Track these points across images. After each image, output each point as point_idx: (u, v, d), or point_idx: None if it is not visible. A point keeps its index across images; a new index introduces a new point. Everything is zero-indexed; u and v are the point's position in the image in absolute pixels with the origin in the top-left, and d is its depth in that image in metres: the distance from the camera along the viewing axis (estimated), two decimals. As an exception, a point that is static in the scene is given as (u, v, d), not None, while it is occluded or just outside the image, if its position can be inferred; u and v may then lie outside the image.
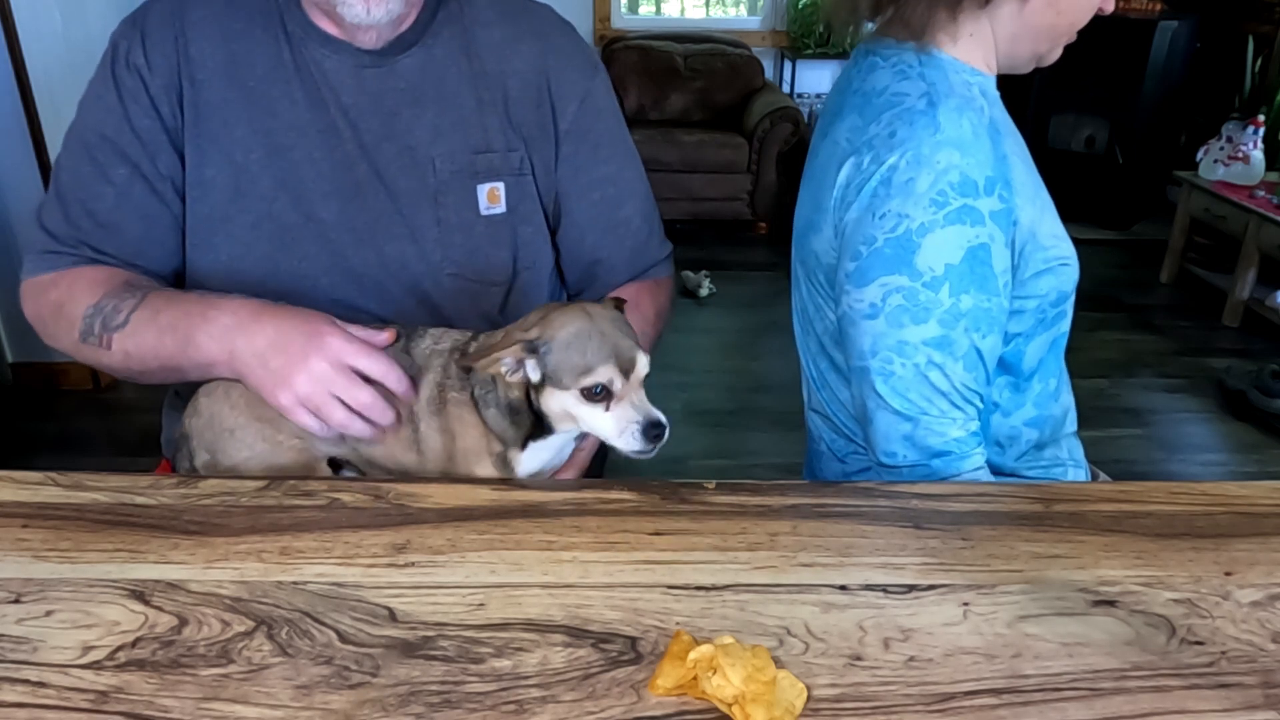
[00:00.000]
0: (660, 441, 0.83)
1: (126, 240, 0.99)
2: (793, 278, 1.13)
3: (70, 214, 0.98)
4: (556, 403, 0.83)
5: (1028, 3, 0.93)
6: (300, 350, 0.85)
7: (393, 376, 0.87)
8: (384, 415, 0.87)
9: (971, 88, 0.94)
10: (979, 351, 0.91)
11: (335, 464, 0.94)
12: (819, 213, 1.00)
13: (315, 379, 0.84)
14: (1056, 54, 1.01)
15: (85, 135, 0.99)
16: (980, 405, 0.95)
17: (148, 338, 0.91)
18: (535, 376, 0.83)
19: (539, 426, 0.87)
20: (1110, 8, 0.98)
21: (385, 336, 0.89)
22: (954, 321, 0.90)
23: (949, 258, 0.88)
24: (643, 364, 0.83)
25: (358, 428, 0.87)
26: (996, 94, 0.99)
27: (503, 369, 0.82)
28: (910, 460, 0.94)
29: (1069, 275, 0.99)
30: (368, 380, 0.86)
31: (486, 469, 0.89)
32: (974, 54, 0.97)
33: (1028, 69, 1.02)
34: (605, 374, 0.81)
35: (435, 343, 0.91)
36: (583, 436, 0.94)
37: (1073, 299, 1.02)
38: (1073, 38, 0.99)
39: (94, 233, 0.98)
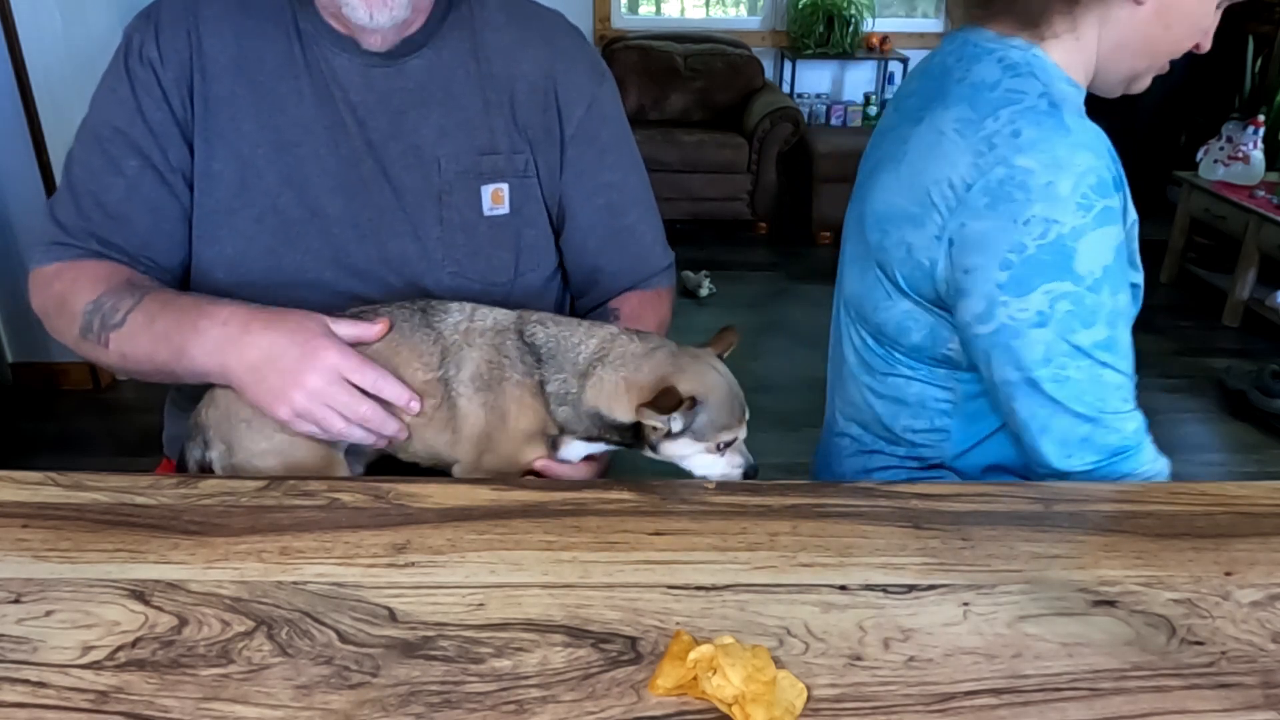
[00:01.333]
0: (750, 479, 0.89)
1: (135, 232, 0.99)
2: (849, 263, 1.10)
3: (81, 206, 0.98)
4: (681, 449, 0.87)
5: (1141, 6, 0.93)
6: (295, 364, 0.85)
7: (389, 389, 0.87)
8: (385, 425, 0.87)
9: (1071, 94, 0.95)
10: (1129, 346, 0.94)
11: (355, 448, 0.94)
12: (919, 205, 0.96)
13: (312, 395, 0.85)
14: (1146, 81, 1.00)
15: (98, 128, 0.99)
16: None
17: (142, 343, 0.91)
18: (677, 427, 0.84)
19: (622, 441, 0.89)
20: (1207, 46, 0.97)
21: (379, 329, 0.89)
22: (1115, 320, 0.91)
23: (1104, 259, 0.89)
24: (748, 416, 0.89)
25: (358, 435, 0.87)
26: (1083, 107, 0.98)
27: (654, 420, 0.83)
28: (1090, 463, 0.94)
29: (1135, 300, 0.99)
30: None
31: (536, 452, 0.90)
32: (1075, 60, 0.96)
33: (1118, 91, 1.01)
34: (741, 431, 0.87)
35: (470, 319, 0.91)
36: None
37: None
38: (1166, 67, 0.99)
39: (103, 224, 0.98)
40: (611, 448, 0.92)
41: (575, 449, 0.91)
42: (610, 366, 0.86)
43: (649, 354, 0.87)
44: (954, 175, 0.92)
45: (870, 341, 1.09)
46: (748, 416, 0.88)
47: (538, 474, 0.92)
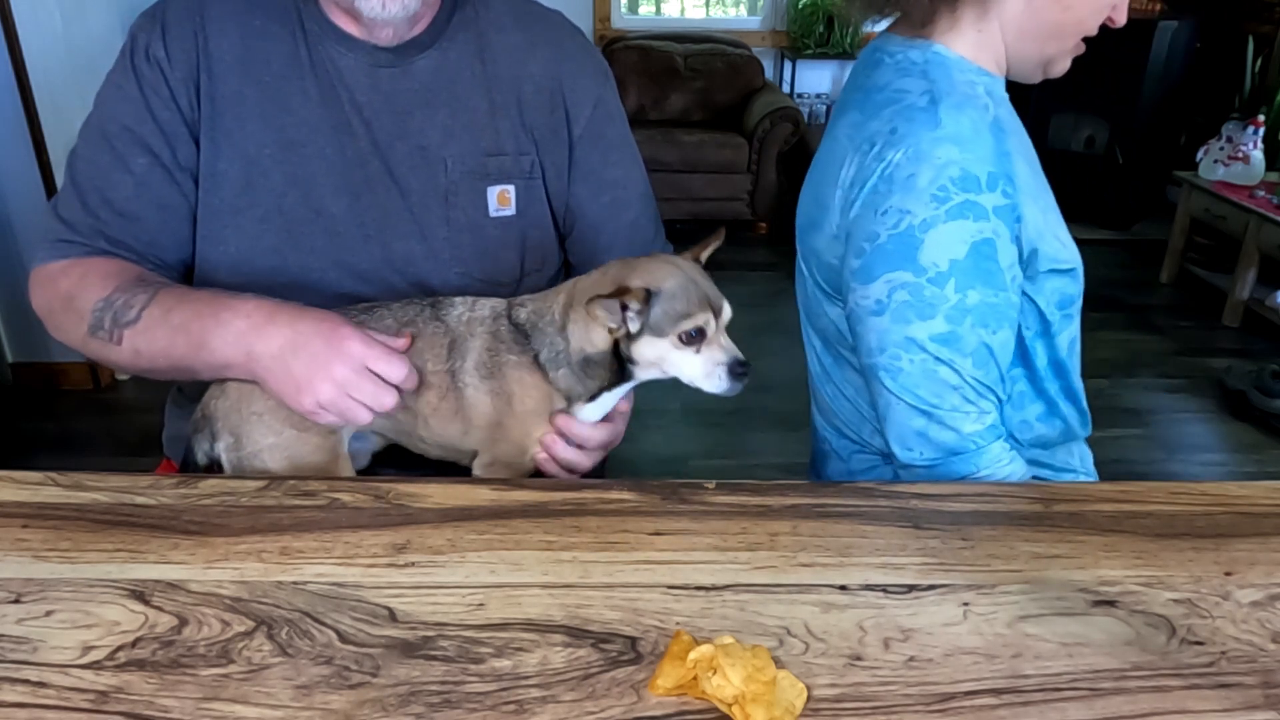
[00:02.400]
0: (745, 380, 0.87)
1: (143, 229, 0.99)
2: (797, 275, 1.13)
3: (88, 203, 0.98)
4: (651, 350, 0.86)
5: None
6: (321, 354, 0.85)
7: (412, 381, 0.88)
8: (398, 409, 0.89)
9: (976, 86, 0.94)
10: (989, 347, 0.91)
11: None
12: (820, 210, 1.00)
13: (338, 384, 0.85)
14: (1064, 64, 1.00)
15: (105, 125, 0.99)
16: (998, 400, 0.95)
17: (159, 337, 0.90)
18: (635, 327, 0.85)
19: (617, 376, 0.90)
20: (1122, 19, 0.97)
21: (403, 341, 0.90)
22: (961, 317, 0.89)
23: (953, 253, 0.88)
24: (728, 309, 0.88)
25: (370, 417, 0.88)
26: (1004, 95, 0.98)
27: (609, 319, 0.85)
28: (927, 458, 0.95)
29: (1074, 281, 0.99)
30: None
31: (544, 428, 0.91)
32: (982, 53, 0.97)
33: (1037, 76, 1.01)
34: (701, 318, 0.85)
35: (471, 310, 0.93)
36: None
37: (1079, 304, 1.02)
38: (1080, 48, 0.99)
39: (111, 222, 0.98)
40: (620, 392, 0.92)
41: (588, 412, 0.92)
42: (577, 303, 0.88)
43: (604, 272, 0.89)
44: (844, 176, 0.95)
45: (821, 347, 1.12)
46: (724, 309, 0.87)
47: (554, 459, 0.93)
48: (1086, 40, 1.00)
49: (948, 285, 0.89)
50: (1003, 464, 0.94)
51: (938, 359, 0.90)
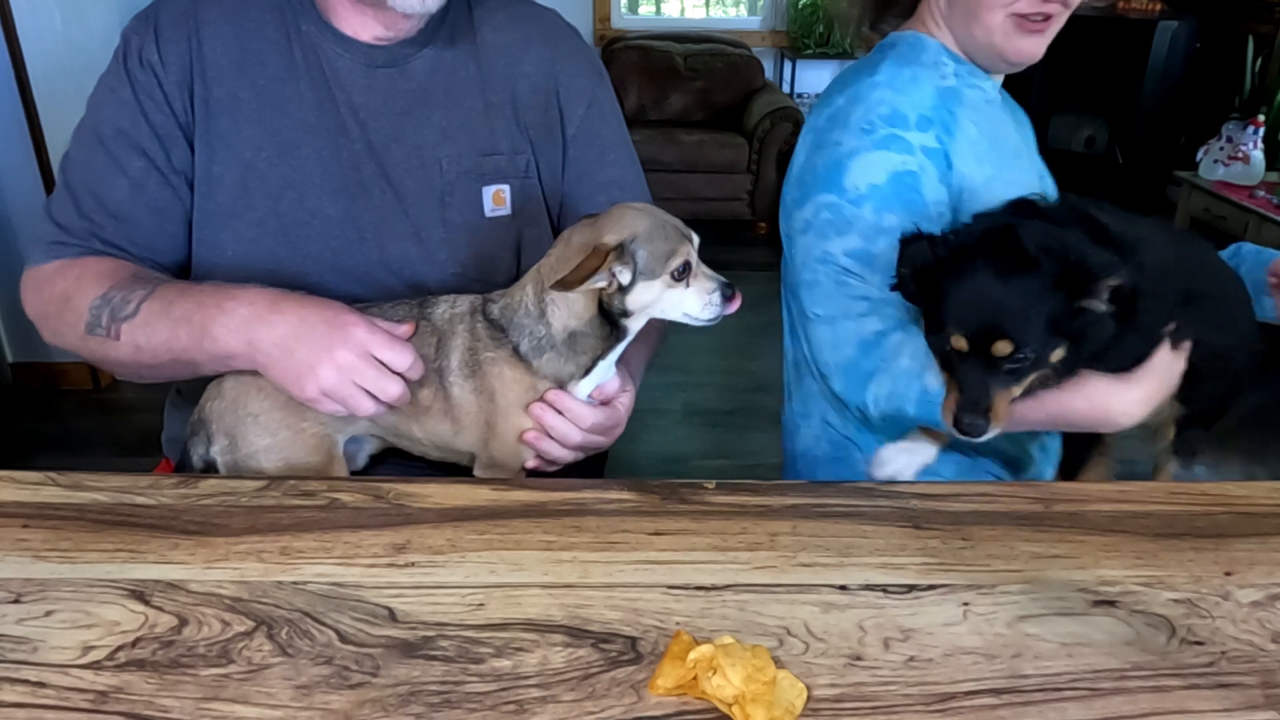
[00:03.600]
0: (736, 300, 0.88)
1: (139, 232, 0.99)
2: (783, 258, 1.16)
3: (82, 206, 0.98)
4: (647, 294, 0.86)
5: None
6: (324, 340, 0.84)
7: (417, 369, 0.88)
8: (405, 398, 0.88)
9: (945, 66, 1.01)
10: (890, 264, 0.94)
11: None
12: (787, 186, 1.07)
13: (341, 370, 0.84)
14: (1017, 48, 1.00)
15: (99, 128, 0.99)
16: (903, 320, 0.97)
17: (160, 330, 0.90)
18: (626, 278, 0.85)
19: (609, 340, 0.89)
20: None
21: (406, 329, 0.90)
22: (875, 236, 0.95)
23: (873, 178, 0.96)
24: (695, 237, 0.89)
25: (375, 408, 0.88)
26: (980, 82, 1.04)
27: (599, 280, 0.84)
28: (841, 361, 0.97)
29: None
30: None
31: (526, 421, 0.90)
32: (948, 40, 1.04)
33: (1000, 67, 1.05)
34: (685, 252, 0.86)
35: (452, 307, 0.92)
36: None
37: None
38: (1025, 26, 0.99)
39: (106, 225, 0.98)
40: (614, 355, 0.91)
41: (584, 388, 0.91)
42: (548, 284, 0.87)
43: (567, 243, 0.88)
44: (804, 130, 1.06)
45: (791, 313, 1.16)
46: (693, 237, 0.88)
47: (543, 428, 0.91)
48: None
49: (865, 206, 0.96)
50: (912, 357, 0.94)
51: (847, 271, 0.97)
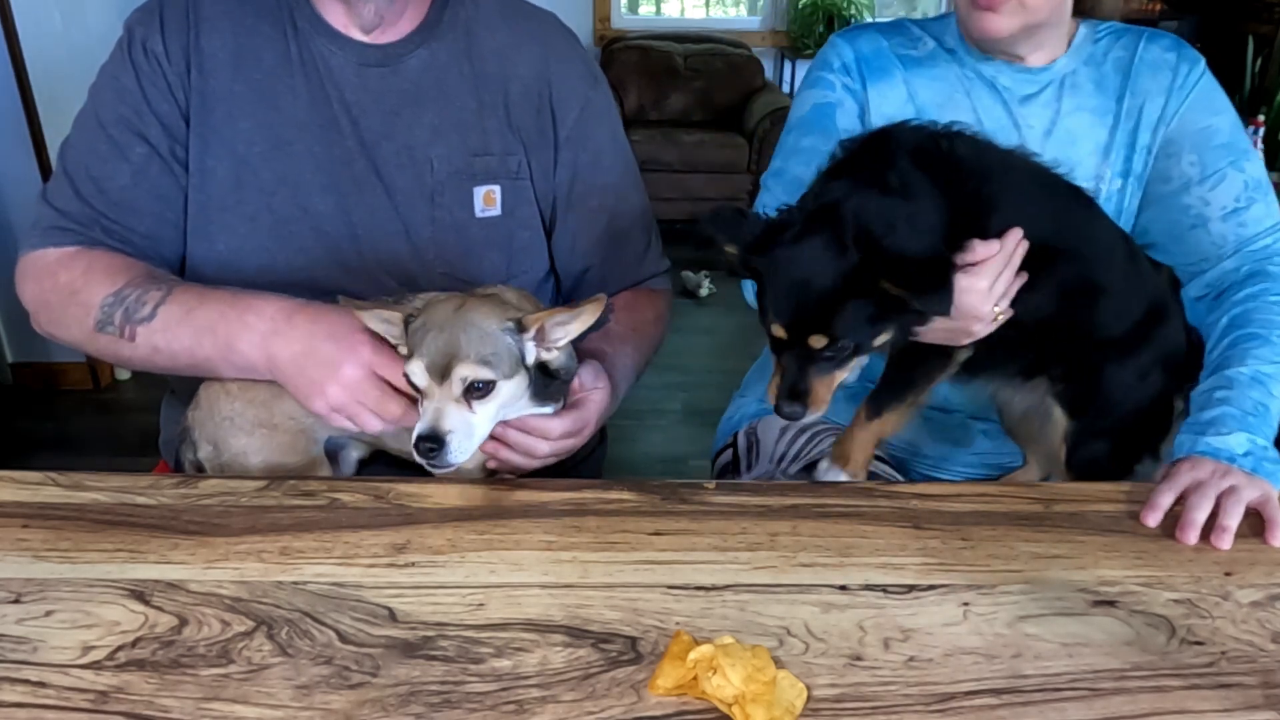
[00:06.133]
0: (431, 458, 0.76)
1: (140, 220, 0.98)
2: None
3: (81, 191, 0.98)
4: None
5: None
6: (332, 357, 0.85)
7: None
8: (412, 423, 0.86)
9: (925, 43, 1.12)
10: (800, 180, 0.99)
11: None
12: None
13: (347, 388, 0.85)
14: (984, 27, 1.00)
15: (101, 115, 0.99)
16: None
17: (181, 336, 0.90)
18: (404, 350, 0.81)
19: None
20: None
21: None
22: (788, 155, 1.09)
23: (801, 111, 1.13)
24: (462, 373, 0.76)
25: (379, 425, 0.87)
26: (980, 65, 1.08)
27: (390, 331, 0.83)
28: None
29: None
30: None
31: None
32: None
33: (983, 46, 1.06)
34: (414, 366, 0.78)
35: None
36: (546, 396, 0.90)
37: None
38: (991, 7, 0.98)
39: (107, 210, 0.97)
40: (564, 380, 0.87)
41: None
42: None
43: (472, 293, 0.85)
44: None
45: None
46: (454, 372, 0.77)
47: (507, 446, 0.88)
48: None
49: (791, 134, 1.12)
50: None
51: (765, 187, 1.09)
